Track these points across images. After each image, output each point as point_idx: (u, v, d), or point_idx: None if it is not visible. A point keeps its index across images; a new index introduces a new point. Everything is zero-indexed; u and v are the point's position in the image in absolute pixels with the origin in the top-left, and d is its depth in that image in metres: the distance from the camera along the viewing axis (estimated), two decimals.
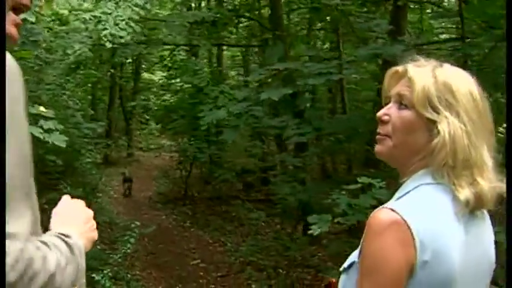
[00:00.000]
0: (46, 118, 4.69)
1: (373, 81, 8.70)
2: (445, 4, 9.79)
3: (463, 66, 5.09)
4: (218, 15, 8.60)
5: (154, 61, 16.99)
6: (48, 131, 4.57)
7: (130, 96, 19.69)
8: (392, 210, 1.23)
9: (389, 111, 1.37)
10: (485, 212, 1.42)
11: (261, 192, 11.71)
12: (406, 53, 5.01)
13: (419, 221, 1.24)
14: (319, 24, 11.75)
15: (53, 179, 9.69)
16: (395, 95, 1.37)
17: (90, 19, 5.78)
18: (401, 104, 1.35)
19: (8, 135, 0.96)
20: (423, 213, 1.26)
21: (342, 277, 1.38)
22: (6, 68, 0.98)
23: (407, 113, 1.34)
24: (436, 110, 1.31)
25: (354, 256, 1.35)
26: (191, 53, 12.93)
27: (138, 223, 6.20)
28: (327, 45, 12.76)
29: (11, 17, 1.14)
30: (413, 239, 1.23)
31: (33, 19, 5.63)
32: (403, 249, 1.22)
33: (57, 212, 1.30)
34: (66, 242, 1.11)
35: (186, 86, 12.93)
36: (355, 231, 6.72)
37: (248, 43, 13.14)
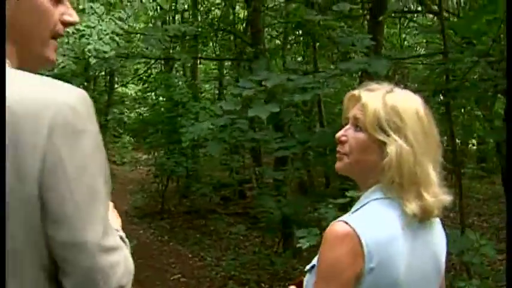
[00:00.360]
0: None
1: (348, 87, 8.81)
2: (422, 18, 10.02)
3: (446, 81, 5.22)
4: (200, 30, 8.64)
5: (128, 74, 16.90)
6: None
7: (103, 109, 19.48)
8: (346, 223, 1.45)
9: (346, 133, 1.58)
10: (435, 220, 1.62)
11: (239, 206, 11.71)
12: (390, 67, 5.10)
13: (368, 233, 1.44)
14: (293, 39, 11.88)
15: None
16: (351, 118, 1.57)
17: (73, 32, 5.73)
18: (357, 126, 1.55)
19: (100, 163, 1.16)
20: (372, 226, 1.46)
21: (307, 276, 1.61)
22: (88, 103, 1.16)
23: (361, 135, 1.54)
24: (385, 132, 1.50)
25: (314, 260, 1.56)
26: (168, 66, 12.92)
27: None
28: (299, 59, 12.89)
29: (52, 45, 1.26)
30: (362, 249, 1.43)
31: None
32: (353, 259, 1.43)
33: None
34: (121, 237, 1.25)
35: (161, 99, 12.92)
36: None
37: (223, 57, 13.20)
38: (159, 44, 7.78)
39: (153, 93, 13.91)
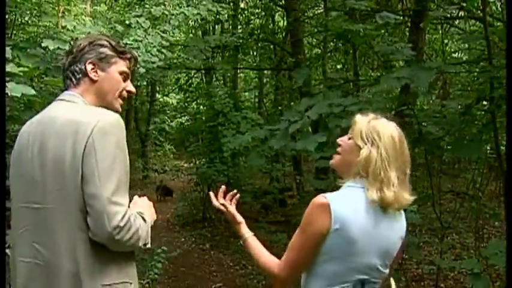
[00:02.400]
0: None
1: (389, 101, 8.71)
2: (465, 24, 9.85)
3: (490, 88, 5.12)
4: (241, 40, 8.72)
5: (169, 84, 17.13)
6: None
7: (145, 118, 19.80)
8: (325, 197, 2.14)
9: (343, 139, 2.32)
10: (400, 214, 2.26)
11: (279, 214, 11.70)
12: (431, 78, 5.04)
13: (337, 204, 2.12)
14: (332, 46, 11.85)
15: None
16: (349, 131, 2.31)
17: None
18: (349, 136, 2.29)
19: (119, 155, 2.06)
20: (341, 200, 2.14)
21: None
22: (117, 121, 2.12)
23: (350, 141, 2.27)
24: (364, 141, 2.20)
25: None
26: (209, 76, 13.06)
27: (165, 248, 6.22)
28: (339, 66, 12.85)
29: (118, 101, 2.34)
30: (330, 214, 2.10)
31: (52, 46, 5.71)
32: (322, 219, 2.11)
33: (133, 203, 2.30)
34: (142, 216, 2.13)
35: (202, 108, 13.05)
36: None
37: (263, 66, 13.27)
38: (201, 54, 7.88)
39: (194, 103, 14.07)
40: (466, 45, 11.41)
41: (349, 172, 2.24)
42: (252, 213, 11.41)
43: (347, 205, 2.13)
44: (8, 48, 4.38)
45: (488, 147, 6.70)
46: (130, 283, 2.17)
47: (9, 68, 4.16)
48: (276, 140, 5.10)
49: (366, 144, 2.19)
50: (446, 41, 11.86)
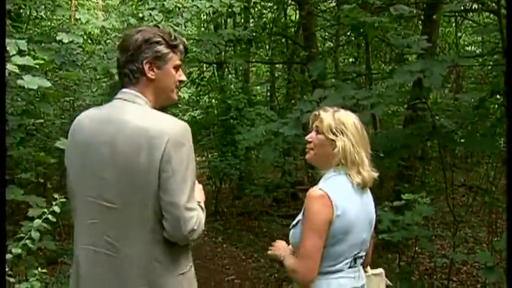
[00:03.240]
0: None
1: (402, 95, 8.69)
2: (479, 17, 9.76)
3: (504, 81, 5.08)
4: (255, 34, 8.71)
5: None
6: None
7: None
8: (321, 189, 2.42)
9: (311, 136, 2.59)
10: (369, 192, 2.60)
11: (291, 207, 11.70)
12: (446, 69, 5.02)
13: (334, 193, 2.41)
14: (345, 40, 11.80)
15: None
16: (314, 127, 2.59)
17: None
18: (318, 131, 2.57)
19: (190, 164, 2.23)
20: (336, 189, 2.43)
21: (291, 231, 2.57)
22: (187, 130, 2.28)
23: (320, 136, 2.55)
24: (335, 134, 2.50)
25: (299, 217, 2.51)
26: (221, 69, 13.05)
27: None
28: (351, 60, 12.81)
29: (175, 91, 2.47)
30: (331, 203, 2.39)
31: (67, 39, 5.75)
32: (326, 209, 2.38)
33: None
34: (200, 206, 2.35)
35: (214, 102, 13.04)
36: (387, 246, 6.72)
37: (275, 59, 13.25)
38: (214, 48, 7.89)
39: (206, 96, 14.07)
40: (480, 38, 11.34)
41: (327, 163, 2.56)
42: (264, 207, 11.44)
43: (341, 192, 2.45)
44: (23, 42, 4.44)
45: (502, 141, 6.67)
46: (191, 266, 2.48)
47: (25, 61, 4.21)
48: (288, 128, 5.12)
49: (337, 136, 2.51)
50: (459, 34, 11.79)
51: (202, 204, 2.41)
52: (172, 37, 2.43)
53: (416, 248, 6.32)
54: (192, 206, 2.23)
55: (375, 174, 2.57)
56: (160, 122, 2.24)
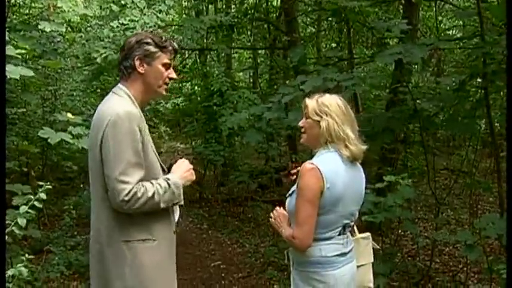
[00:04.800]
0: (74, 124, 4.77)
1: (383, 79, 8.74)
2: (459, 1, 9.82)
3: (483, 64, 5.16)
4: (236, 20, 8.69)
5: None
6: (77, 136, 4.65)
7: None
8: (312, 163, 2.72)
9: (302, 121, 2.91)
10: (359, 166, 2.90)
11: (275, 193, 11.74)
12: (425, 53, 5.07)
13: (324, 167, 2.70)
14: (327, 25, 11.81)
15: (72, 185, 9.84)
16: (304, 114, 2.89)
17: (118, 26, 5.90)
18: (306, 117, 2.88)
19: (127, 141, 2.63)
20: (326, 164, 2.72)
21: (287, 199, 2.89)
22: (126, 114, 2.67)
23: (308, 120, 2.86)
24: (319, 116, 2.80)
25: (294, 187, 2.82)
26: (203, 56, 12.99)
27: None
28: (333, 45, 12.82)
29: (163, 87, 2.92)
30: (322, 176, 2.68)
31: (49, 28, 5.71)
32: (317, 182, 2.68)
33: (174, 166, 2.93)
34: (166, 181, 2.75)
35: (196, 89, 12.98)
36: (369, 229, 6.80)
37: (257, 45, 13.21)
38: (196, 34, 7.87)
39: (188, 84, 14.01)
40: (461, 23, 11.43)
41: (318, 143, 2.84)
42: (248, 193, 11.48)
43: (330, 167, 2.73)
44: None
45: (481, 124, 6.77)
46: (153, 240, 2.77)
47: (7, 50, 4.17)
48: (270, 112, 5.18)
49: (321, 117, 2.80)
50: (440, 18, 11.86)
51: (176, 180, 2.80)
52: (163, 39, 2.88)
53: (400, 231, 6.42)
54: (126, 179, 2.58)
55: (363, 147, 2.84)
56: (110, 108, 2.71)
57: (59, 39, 6.45)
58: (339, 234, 2.84)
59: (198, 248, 8.57)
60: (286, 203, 2.92)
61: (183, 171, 2.92)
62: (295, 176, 2.99)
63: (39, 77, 7.69)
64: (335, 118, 2.78)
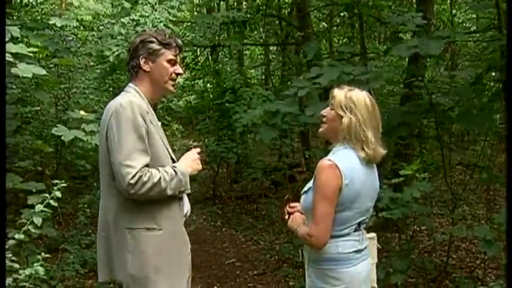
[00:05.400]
0: (88, 122, 4.77)
1: (397, 73, 8.64)
2: None
3: (500, 57, 5.07)
4: (249, 16, 8.64)
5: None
6: (91, 133, 4.65)
7: None
8: (330, 160, 2.67)
9: (326, 110, 2.82)
10: (374, 166, 2.84)
11: (289, 190, 11.68)
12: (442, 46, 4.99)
13: (342, 164, 2.65)
14: (339, 20, 11.72)
15: (86, 183, 9.87)
16: (330, 103, 2.81)
17: (128, 23, 5.90)
18: (331, 107, 2.79)
19: (130, 129, 2.74)
20: (344, 160, 2.66)
21: (303, 196, 2.86)
22: (128, 104, 2.79)
23: (332, 111, 2.78)
24: (343, 110, 2.72)
25: (310, 184, 2.79)
26: (216, 53, 12.95)
27: None
28: (345, 40, 12.72)
29: (170, 83, 3.01)
30: (340, 173, 2.64)
31: (60, 23, 5.71)
32: (336, 178, 2.63)
33: (181, 158, 2.98)
34: (173, 169, 2.82)
35: (209, 86, 12.94)
36: (386, 225, 6.74)
37: (270, 41, 13.14)
38: (209, 31, 7.83)
39: (201, 81, 13.98)
40: (474, 16, 11.28)
41: (336, 137, 2.79)
42: (262, 190, 11.43)
43: (348, 164, 2.68)
44: (16, 28, 4.40)
45: (498, 117, 6.67)
46: (159, 229, 2.81)
47: (19, 48, 4.17)
48: (284, 106, 5.11)
49: (345, 113, 2.73)
50: (454, 11, 11.73)
51: (182, 169, 2.88)
52: (166, 36, 2.97)
53: (415, 227, 6.34)
54: (130, 163, 2.66)
55: (382, 151, 2.79)
56: (114, 101, 2.85)
57: (71, 38, 6.45)
58: (355, 231, 2.81)
59: (213, 245, 8.54)
60: (301, 200, 2.89)
61: (189, 160, 2.97)
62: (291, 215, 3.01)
63: (52, 76, 7.69)
64: (358, 117, 2.72)
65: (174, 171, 2.81)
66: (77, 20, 11.15)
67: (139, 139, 2.72)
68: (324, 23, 12.45)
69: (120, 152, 2.68)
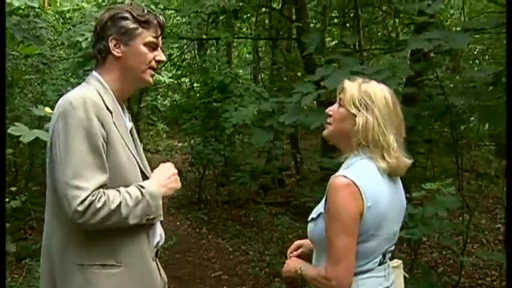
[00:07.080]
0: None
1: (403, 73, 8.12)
2: None
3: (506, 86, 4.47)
4: (241, 4, 7.98)
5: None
6: None
7: (137, 97, 19.10)
8: (345, 176, 2.04)
9: (333, 108, 2.24)
10: (398, 178, 2.22)
11: (278, 194, 11.13)
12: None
13: (362, 182, 2.03)
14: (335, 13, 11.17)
15: None
16: (338, 98, 2.23)
17: (103, 1, 5.27)
18: (340, 104, 2.21)
19: (80, 135, 1.99)
20: (363, 176, 2.05)
21: (310, 225, 2.19)
22: (81, 100, 2.02)
23: (341, 109, 2.19)
24: (357, 108, 2.12)
25: (320, 209, 2.14)
26: (203, 49, 12.34)
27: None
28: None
29: (148, 72, 2.27)
30: (360, 193, 2.01)
31: (17, 3, 5.10)
32: (355, 201, 2.01)
33: (154, 171, 2.28)
34: (139, 190, 2.09)
35: (196, 85, 12.38)
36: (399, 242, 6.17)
37: (259, 36, 12.53)
38: (195, 20, 7.18)
39: (187, 79, 13.38)
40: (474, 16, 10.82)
41: (347, 142, 2.18)
42: (250, 195, 10.83)
43: (369, 180, 2.06)
44: None
45: None
46: (118, 266, 2.09)
47: None
48: (287, 115, 4.42)
49: (359, 111, 2.12)
50: (452, 11, 11.38)
51: (153, 189, 2.14)
52: (144, 12, 2.23)
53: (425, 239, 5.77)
54: (79, 184, 1.94)
55: (407, 161, 2.17)
56: (65, 97, 2.09)
57: (41, 25, 5.75)
58: (379, 264, 2.17)
59: (197, 255, 7.91)
60: (309, 230, 2.24)
61: (164, 177, 2.26)
62: None
63: (21, 68, 6.99)
64: (377, 116, 2.10)
65: (141, 192, 2.10)
66: (57, 12, 10.49)
67: (93, 150, 2.00)
68: (320, 16, 11.82)
69: (66, 168, 1.96)
